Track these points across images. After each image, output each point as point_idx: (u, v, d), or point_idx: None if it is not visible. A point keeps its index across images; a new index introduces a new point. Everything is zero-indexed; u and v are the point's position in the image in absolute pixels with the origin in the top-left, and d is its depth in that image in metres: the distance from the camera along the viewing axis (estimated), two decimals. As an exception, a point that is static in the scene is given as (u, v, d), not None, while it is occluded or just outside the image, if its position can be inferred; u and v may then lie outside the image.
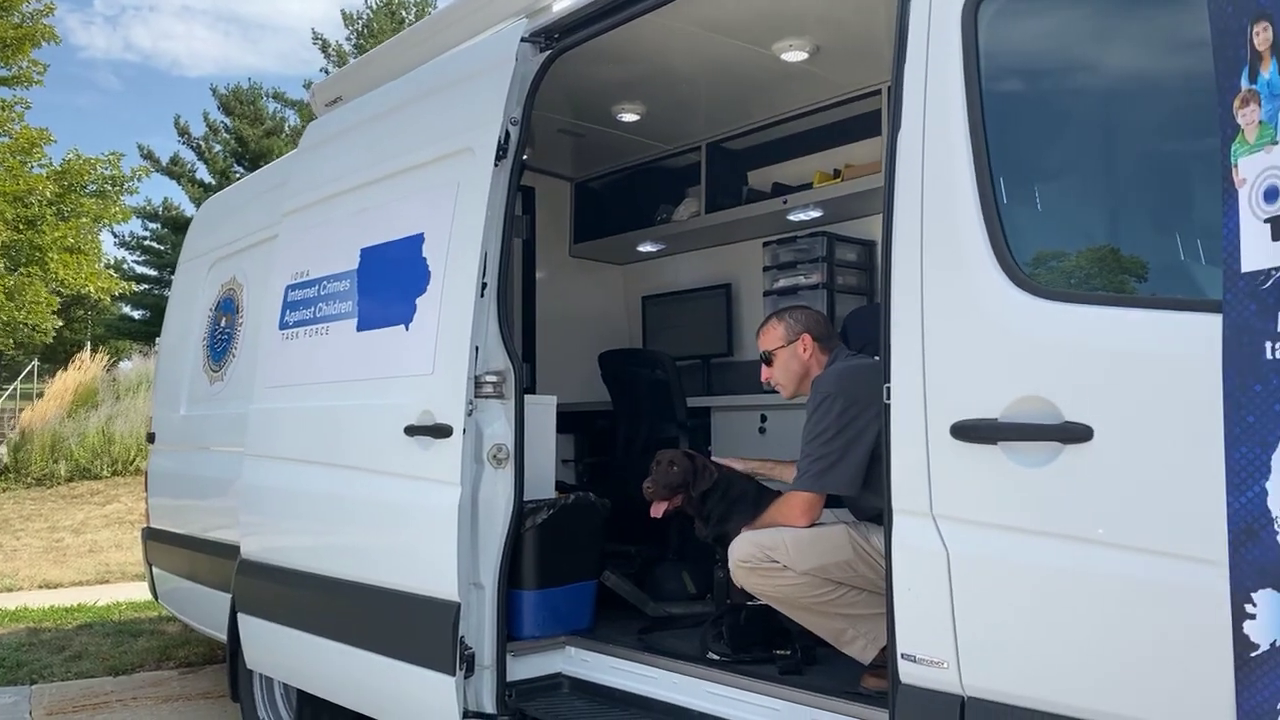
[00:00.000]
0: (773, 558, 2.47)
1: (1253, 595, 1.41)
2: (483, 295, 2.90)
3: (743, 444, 3.85)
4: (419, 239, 3.15)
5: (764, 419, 4.01)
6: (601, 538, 3.27)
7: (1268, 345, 1.41)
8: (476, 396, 2.90)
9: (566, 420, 4.31)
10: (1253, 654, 1.42)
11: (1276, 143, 1.38)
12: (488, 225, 2.90)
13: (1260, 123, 1.39)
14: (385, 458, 3.10)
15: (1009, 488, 1.75)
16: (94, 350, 17.81)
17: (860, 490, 2.51)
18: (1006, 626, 1.75)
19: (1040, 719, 1.68)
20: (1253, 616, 1.42)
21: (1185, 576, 1.51)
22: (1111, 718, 1.60)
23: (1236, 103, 1.43)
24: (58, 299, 15.79)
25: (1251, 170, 1.40)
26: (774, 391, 3.27)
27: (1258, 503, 1.42)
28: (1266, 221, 1.39)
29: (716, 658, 2.79)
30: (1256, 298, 1.42)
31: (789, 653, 2.69)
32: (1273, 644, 1.39)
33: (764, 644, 2.77)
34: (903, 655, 1.88)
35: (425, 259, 3.09)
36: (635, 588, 3.39)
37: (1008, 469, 1.75)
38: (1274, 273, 1.39)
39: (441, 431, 2.88)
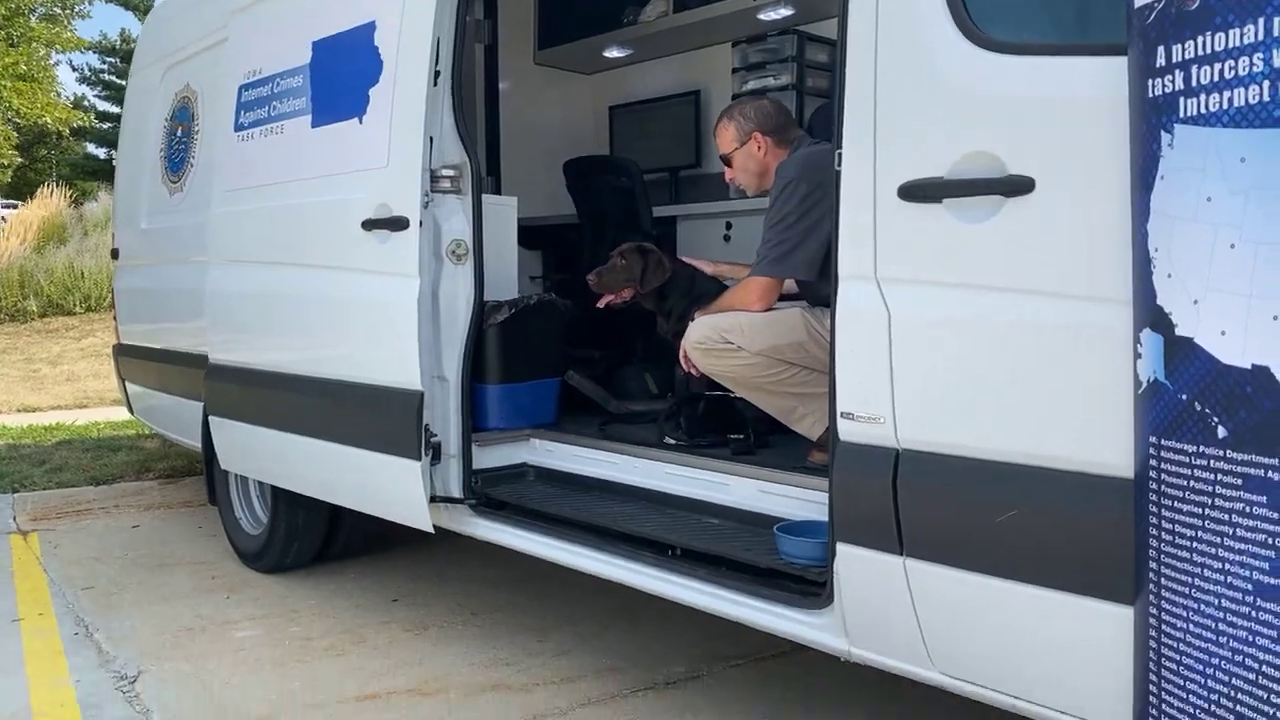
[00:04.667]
0: (728, 339, 2.52)
1: (1139, 335, 1.47)
2: (436, 84, 2.83)
3: (708, 252, 3.85)
4: (370, 27, 3.04)
5: (729, 226, 4.01)
6: (563, 337, 3.32)
7: (1149, 83, 1.41)
8: (433, 190, 2.88)
9: (533, 235, 4.30)
10: (1139, 391, 1.48)
11: None
12: (439, 7, 2.80)
13: None
14: (345, 254, 3.10)
15: (951, 245, 1.78)
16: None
17: (818, 277, 2.53)
18: (940, 381, 1.80)
19: (968, 465, 1.76)
20: (1140, 356, 1.47)
21: (1113, 320, 1.55)
22: (1033, 458, 1.67)
23: None
24: (15, 132, 15.30)
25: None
26: (741, 196, 3.26)
27: (1141, 245, 1.45)
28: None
29: (674, 443, 2.88)
30: (1143, 34, 1.41)
31: (743, 437, 2.78)
32: (1150, 380, 1.45)
33: (719, 431, 2.86)
34: (842, 414, 1.94)
35: (377, 48, 3.00)
36: (598, 387, 3.46)
37: (951, 227, 1.77)
38: (1156, 6, 1.38)
39: (398, 224, 2.87)
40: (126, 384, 5.18)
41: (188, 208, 4.31)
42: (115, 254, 5.21)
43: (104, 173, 24.93)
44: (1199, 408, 1.38)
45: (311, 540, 3.83)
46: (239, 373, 3.68)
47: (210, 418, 3.90)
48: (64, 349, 10.84)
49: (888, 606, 1.91)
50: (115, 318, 5.19)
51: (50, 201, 14.70)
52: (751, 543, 2.41)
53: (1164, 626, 1.46)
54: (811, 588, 2.13)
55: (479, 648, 3.09)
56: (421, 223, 2.82)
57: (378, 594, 3.62)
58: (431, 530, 2.95)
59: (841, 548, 1.96)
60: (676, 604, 2.38)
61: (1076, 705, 1.69)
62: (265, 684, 2.86)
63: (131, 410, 5.28)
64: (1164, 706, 1.48)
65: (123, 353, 5.15)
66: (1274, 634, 1.29)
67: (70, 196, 15.81)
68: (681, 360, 2.70)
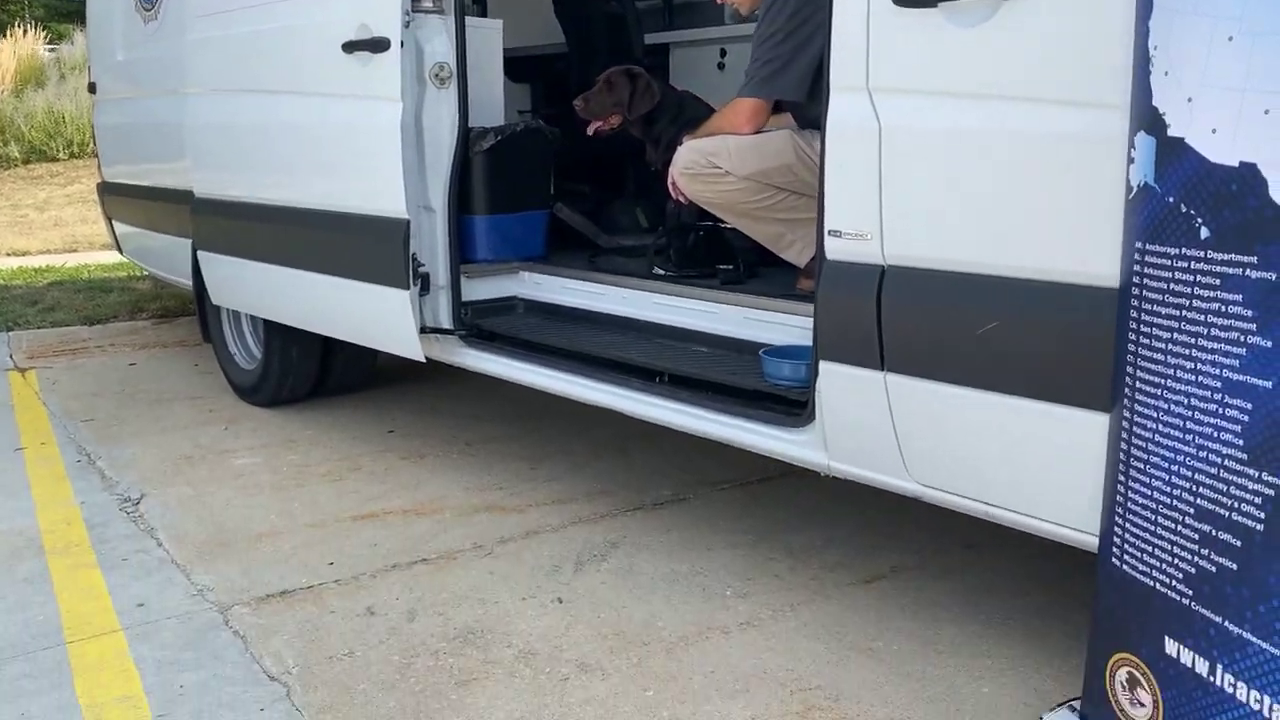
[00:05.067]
0: (715, 163, 2.48)
1: (1133, 139, 1.44)
2: (415, -106, 2.69)
3: (702, 81, 3.75)
4: None
5: (723, 54, 3.89)
6: (551, 167, 3.27)
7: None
8: (414, 10, 2.78)
9: (520, 66, 4.16)
10: (1129, 196, 1.47)
11: None
12: None
13: None
14: (327, 78, 3.01)
15: (945, 52, 1.72)
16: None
17: (807, 99, 2.47)
18: (929, 194, 1.78)
19: (952, 279, 1.76)
20: (1133, 160, 1.45)
21: (1108, 126, 1.52)
22: (1018, 270, 1.67)
23: None
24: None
25: None
26: (737, 20, 3.15)
27: (1141, 43, 1.41)
28: None
29: (663, 274, 2.88)
30: None
31: (732, 267, 2.78)
32: (1141, 184, 1.43)
33: (708, 262, 2.86)
34: (829, 232, 1.93)
35: None
36: (588, 221, 3.43)
37: (945, 32, 1.71)
38: None
39: (379, 45, 2.77)
40: (114, 223, 5.13)
41: (163, 37, 4.16)
42: (92, 88, 5.07)
43: (79, 14, 23.94)
44: (1184, 209, 1.37)
45: (306, 374, 3.87)
46: (225, 206, 3.64)
47: (199, 253, 3.88)
48: (50, 195, 10.68)
49: (867, 421, 1.95)
50: (97, 154, 5.09)
51: (26, 42, 14.16)
52: (737, 367, 2.44)
53: (1135, 429, 1.50)
54: (793, 408, 2.17)
55: (473, 474, 3.17)
56: (403, 44, 2.73)
57: (373, 426, 3.70)
58: (423, 359, 2.98)
59: (824, 366, 1.99)
60: (665, 434, 2.44)
61: (1048, 511, 1.75)
62: (265, 506, 2.95)
63: (121, 251, 5.25)
64: (1130, 505, 1.53)
65: (108, 191, 5.08)
66: (1237, 429, 1.32)
67: (45, 39, 15.22)
68: (670, 188, 2.67)
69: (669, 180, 2.66)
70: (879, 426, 1.93)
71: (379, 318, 3.03)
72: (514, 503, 2.93)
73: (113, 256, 6.33)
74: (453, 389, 4.07)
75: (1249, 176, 1.28)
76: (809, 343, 2.05)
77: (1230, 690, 1.36)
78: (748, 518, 2.78)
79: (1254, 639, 1.32)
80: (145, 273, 5.54)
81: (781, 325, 2.46)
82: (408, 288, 2.83)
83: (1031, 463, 1.73)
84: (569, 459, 3.27)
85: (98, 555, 2.63)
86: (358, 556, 2.60)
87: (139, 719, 1.90)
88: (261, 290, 3.58)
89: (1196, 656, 1.42)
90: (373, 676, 2.03)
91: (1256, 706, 1.32)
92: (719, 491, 2.98)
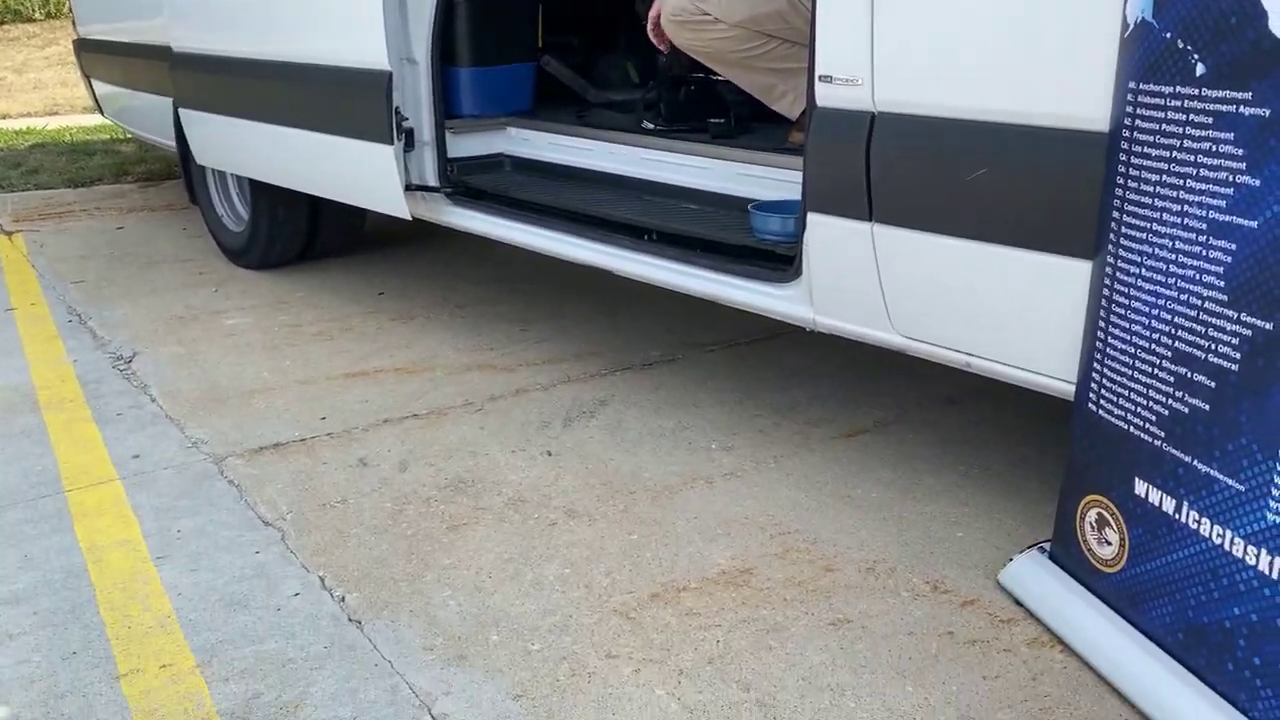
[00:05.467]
0: (704, 9, 2.40)
1: None
2: None
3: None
4: None
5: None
6: (538, 17, 3.16)
7: None
8: None
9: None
10: (1125, 35, 1.43)
11: None
12: None
13: None
14: (302, -78, 2.88)
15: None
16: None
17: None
18: (922, 37, 1.73)
19: (942, 126, 1.72)
20: None
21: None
22: (1009, 115, 1.64)
23: None
24: None
25: None
26: None
27: None
28: None
29: (652, 128, 2.82)
30: None
31: (723, 121, 2.72)
32: (1138, 20, 1.39)
33: (699, 116, 2.79)
34: (820, 78, 1.88)
35: None
36: (576, 75, 3.34)
37: None
38: None
39: (356, -116, 2.64)
40: (93, 82, 4.99)
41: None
42: (61, -62, 4.85)
43: None
44: (1181, 45, 1.33)
45: (294, 235, 3.84)
46: (204, 61, 3.53)
47: (180, 111, 3.79)
48: (28, 57, 10.37)
49: (853, 274, 1.94)
50: (71, 9, 4.92)
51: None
52: (726, 223, 2.42)
53: (1118, 274, 1.50)
54: (781, 264, 2.16)
55: (464, 335, 3.18)
56: (381, -118, 2.61)
57: (364, 288, 3.69)
58: (409, 218, 2.95)
59: (812, 218, 1.97)
60: (655, 298, 2.43)
61: (1028, 360, 1.76)
62: (257, 363, 2.97)
63: (103, 112, 5.13)
64: (1109, 351, 1.54)
65: (84, 48, 4.93)
66: (1220, 270, 1.32)
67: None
68: (649, 32, 2.58)
69: (648, 24, 2.57)
70: (865, 279, 1.92)
71: (364, 175, 2.99)
72: (504, 362, 2.95)
73: (95, 119, 6.20)
74: (443, 253, 4.04)
75: (1249, 8, 1.24)
76: (798, 198, 2.03)
77: (1194, 526, 1.40)
78: (735, 377, 2.80)
79: (1220, 476, 1.35)
80: (129, 135, 5.43)
81: (772, 180, 2.43)
82: (391, 143, 2.78)
83: (1014, 312, 1.73)
84: (558, 321, 3.28)
85: (92, 410, 2.66)
86: (350, 411, 2.63)
87: (138, 560, 1.96)
88: (244, 148, 3.52)
89: (1164, 495, 1.45)
90: (365, 522, 2.08)
91: (1218, 541, 1.36)
92: (707, 353, 3.00)
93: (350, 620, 1.76)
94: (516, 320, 3.31)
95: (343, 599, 1.82)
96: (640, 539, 1.99)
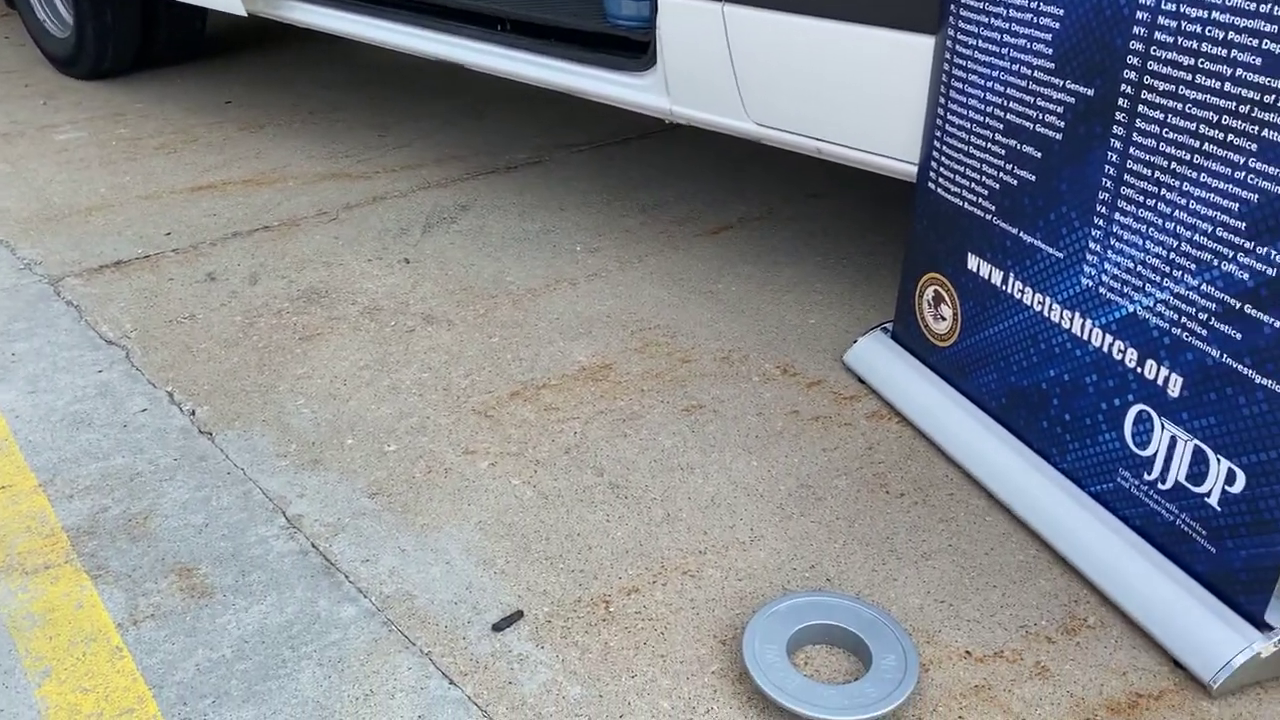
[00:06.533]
0: None
1: None
2: None
3: None
4: None
5: None
6: None
7: None
8: None
9: None
10: None
11: None
12: None
13: None
14: None
15: None
16: None
17: None
18: None
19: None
20: None
21: None
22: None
23: None
24: None
25: None
26: None
27: None
28: None
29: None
30: None
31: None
32: None
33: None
34: None
35: None
36: None
37: None
38: None
39: None
40: None
41: None
42: None
43: None
44: None
45: (127, 39, 3.52)
46: None
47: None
48: None
49: (706, 59, 1.88)
50: None
51: None
52: (580, 10, 2.30)
53: (957, 48, 1.48)
54: (637, 52, 2.08)
55: (317, 144, 3.02)
56: None
57: (210, 97, 3.44)
58: (245, 14, 2.72)
59: (664, 1, 1.88)
60: (520, 100, 2.33)
61: (875, 142, 1.75)
62: (93, 180, 2.78)
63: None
64: (947, 128, 1.54)
65: None
66: (1049, 37, 1.31)
67: None
68: None
69: None
70: (718, 64, 1.87)
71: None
72: (360, 170, 2.82)
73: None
74: (294, 57, 3.78)
75: None
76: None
77: (1019, 296, 1.45)
78: (602, 178, 2.75)
79: (1042, 245, 1.39)
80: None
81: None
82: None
83: (862, 93, 1.71)
84: (418, 126, 3.13)
85: (-91, 235, 2.47)
86: (196, 226, 2.50)
87: (-30, 386, 1.87)
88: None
89: (993, 269, 1.49)
90: (215, 336, 2.01)
91: (1038, 308, 1.42)
92: (575, 154, 2.92)
93: (201, 432, 1.72)
94: (374, 125, 3.15)
95: (193, 412, 1.78)
96: (501, 341, 1.98)
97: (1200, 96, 1.13)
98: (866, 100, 1.71)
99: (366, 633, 1.30)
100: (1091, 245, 1.30)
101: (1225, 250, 1.14)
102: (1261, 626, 1.18)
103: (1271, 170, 1.07)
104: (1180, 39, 1.14)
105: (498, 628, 1.30)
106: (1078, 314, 1.35)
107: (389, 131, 3.09)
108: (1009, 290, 1.47)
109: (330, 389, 1.83)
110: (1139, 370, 1.27)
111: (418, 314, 2.08)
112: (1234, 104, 1.10)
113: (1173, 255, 1.20)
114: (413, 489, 1.57)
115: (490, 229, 2.46)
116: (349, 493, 1.57)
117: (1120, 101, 1.23)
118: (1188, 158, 1.16)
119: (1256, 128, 1.08)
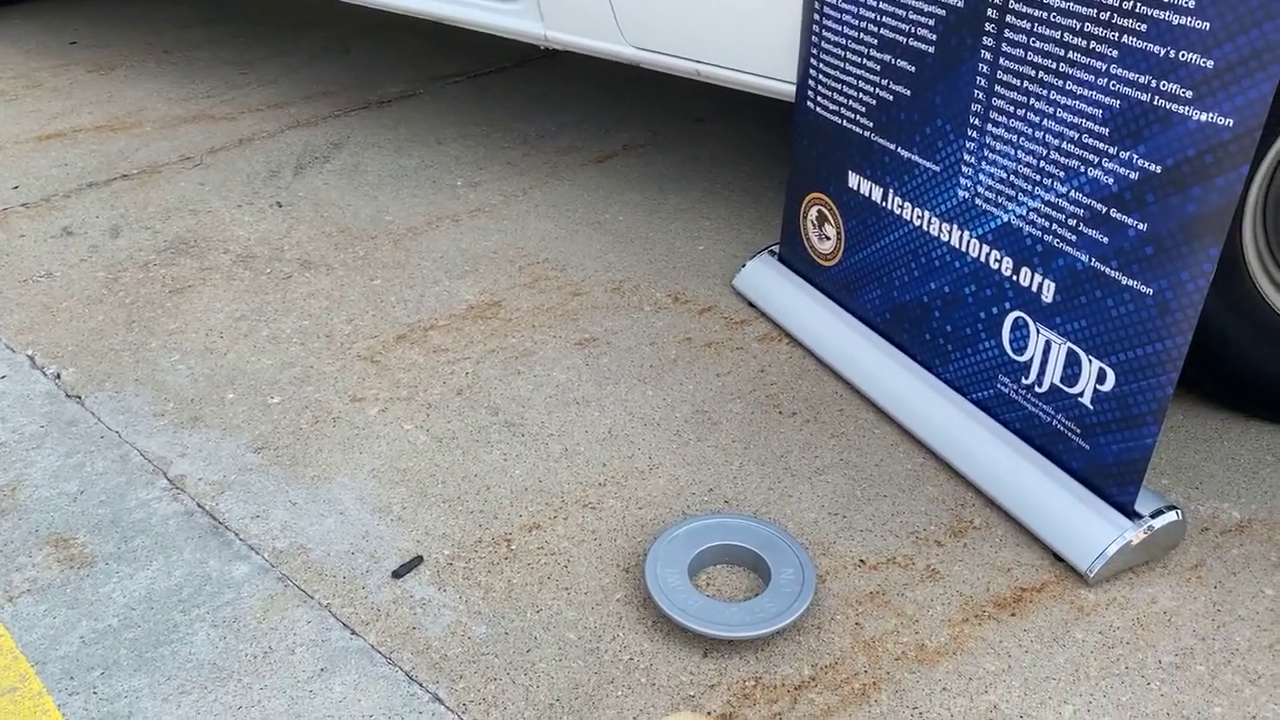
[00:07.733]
0: None
1: None
2: None
3: None
4: None
5: None
6: None
7: None
8: None
9: None
10: None
11: None
12: None
13: None
14: None
15: None
16: None
17: None
18: None
19: None
20: None
21: None
22: None
23: None
24: None
25: None
26: None
27: None
28: None
29: None
30: None
31: None
32: None
33: None
34: None
35: None
36: None
37: None
38: None
39: None
40: None
41: None
42: None
43: None
44: None
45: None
46: None
47: None
48: None
49: (580, -18, 1.83)
50: None
51: None
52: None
53: (829, -37, 1.47)
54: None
55: (175, 84, 2.85)
56: None
57: (52, 37, 3.20)
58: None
59: (531, -80, 1.81)
60: (390, 30, 2.22)
61: (753, 62, 1.74)
62: (-76, 133, 2.57)
63: None
64: (823, 45, 1.53)
65: None
66: (917, -52, 1.31)
67: None
68: None
69: None
70: (591, -14, 1.81)
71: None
72: (223, 111, 2.68)
73: None
74: (143, -8, 3.54)
75: None
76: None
77: (899, 212, 1.47)
78: (480, 109, 2.67)
79: (920, 159, 1.40)
80: None
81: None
82: None
83: (738, 13, 1.69)
84: (283, 61, 2.98)
85: None
86: (47, 178, 2.33)
87: None
88: None
89: (873, 185, 1.51)
90: (76, 294, 1.90)
91: (918, 223, 1.44)
92: (450, 85, 2.83)
93: (68, 396, 1.63)
94: (235, 63, 2.98)
95: (58, 375, 1.68)
96: (383, 284, 1.92)
97: (1064, 4, 1.15)
98: (742, 19, 1.69)
99: (261, 590, 1.27)
100: (966, 157, 1.32)
101: (1091, 156, 1.17)
102: (1132, 516, 1.24)
103: (1132, 76, 1.10)
104: (1043, -53, 1.15)
105: (397, 574, 1.28)
106: (955, 226, 1.38)
107: (252, 69, 2.93)
108: (889, 206, 1.49)
109: (206, 343, 1.75)
110: (1014, 278, 1.31)
111: (294, 259, 2.00)
112: (1096, 10, 1.12)
113: (1043, 164, 1.23)
114: (300, 441, 1.52)
115: (366, 167, 2.37)
116: (233, 449, 1.51)
117: (989, 12, 1.24)
118: (1054, 66, 1.18)
119: (1117, 34, 1.10)
